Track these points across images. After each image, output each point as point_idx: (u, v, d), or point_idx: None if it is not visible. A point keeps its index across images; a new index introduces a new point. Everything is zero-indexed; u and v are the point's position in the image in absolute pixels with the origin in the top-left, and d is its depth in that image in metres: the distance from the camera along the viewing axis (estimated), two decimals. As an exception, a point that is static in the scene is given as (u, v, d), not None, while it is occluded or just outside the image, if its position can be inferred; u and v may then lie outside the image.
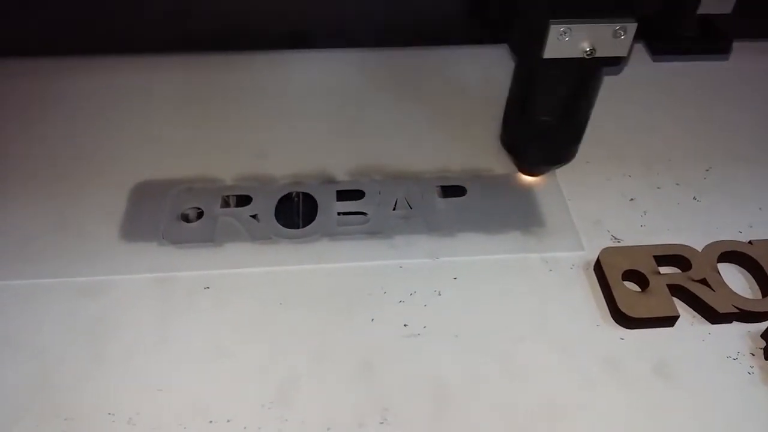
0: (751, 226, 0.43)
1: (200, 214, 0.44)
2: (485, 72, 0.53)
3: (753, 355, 0.37)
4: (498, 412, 0.34)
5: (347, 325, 0.38)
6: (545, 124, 0.42)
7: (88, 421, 0.34)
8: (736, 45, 0.48)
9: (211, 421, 0.34)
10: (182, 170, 0.46)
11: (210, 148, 0.48)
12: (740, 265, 0.41)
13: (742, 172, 0.47)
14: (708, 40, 0.45)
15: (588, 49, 0.37)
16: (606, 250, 0.41)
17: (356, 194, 0.45)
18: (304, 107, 0.51)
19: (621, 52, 0.37)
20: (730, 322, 0.38)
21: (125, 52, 0.50)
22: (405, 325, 0.38)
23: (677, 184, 0.46)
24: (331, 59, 0.52)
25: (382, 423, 0.34)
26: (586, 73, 0.40)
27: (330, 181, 0.46)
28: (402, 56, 0.52)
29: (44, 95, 0.49)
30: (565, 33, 0.36)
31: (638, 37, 0.39)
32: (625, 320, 0.38)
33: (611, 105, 0.51)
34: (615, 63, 0.38)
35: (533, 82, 0.41)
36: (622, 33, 0.36)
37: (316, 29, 0.50)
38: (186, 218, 0.44)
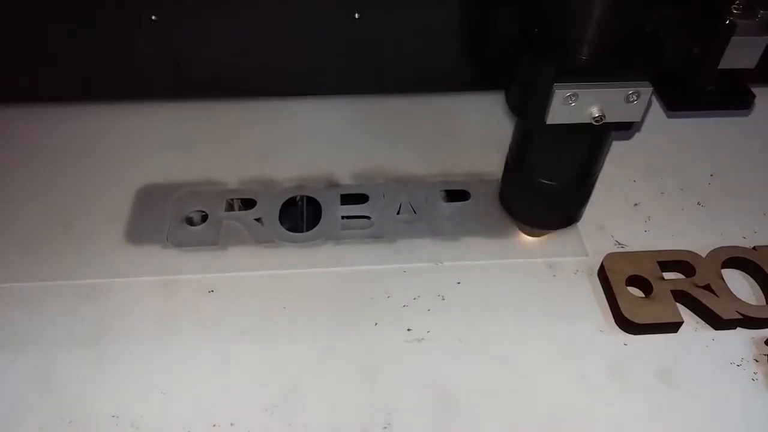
0: (755, 232, 0.43)
1: (204, 218, 0.44)
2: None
3: (757, 361, 0.37)
4: (501, 418, 0.34)
5: (351, 329, 0.38)
6: (546, 188, 0.38)
7: (91, 424, 0.34)
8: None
9: (214, 425, 0.34)
10: (187, 174, 0.46)
11: (214, 152, 0.48)
12: (744, 271, 0.41)
13: (746, 177, 0.47)
14: (730, 95, 0.42)
15: (597, 115, 0.33)
16: (610, 256, 0.41)
17: (360, 198, 0.45)
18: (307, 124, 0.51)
19: (634, 118, 0.34)
20: (734, 328, 0.38)
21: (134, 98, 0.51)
22: (409, 330, 0.38)
23: (681, 190, 0.46)
24: (332, 105, 0.52)
25: (385, 428, 0.34)
26: (594, 139, 0.37)
27: (334, 184, 0.46)
28: (401, 103, 0.51)
29: (52, 125, 0.50)
30: (571, 98, 0.32)
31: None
32: (628, 326, 0.38)
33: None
34: (626, 128, 0.34)
35: (534, 145, 0.38)
36: (635, 97, 0.33)
37: (317, 77, 0.51)
38: (190, 221, 0.44)
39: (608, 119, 0.33)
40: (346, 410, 0.35)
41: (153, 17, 0.45)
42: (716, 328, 0.38)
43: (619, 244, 0.42)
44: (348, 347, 0.37)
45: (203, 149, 0.48)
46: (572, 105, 0.32)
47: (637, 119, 0.34)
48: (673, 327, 0.38)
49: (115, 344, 0.37)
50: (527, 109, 0.35)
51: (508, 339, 0.38)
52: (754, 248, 0.41)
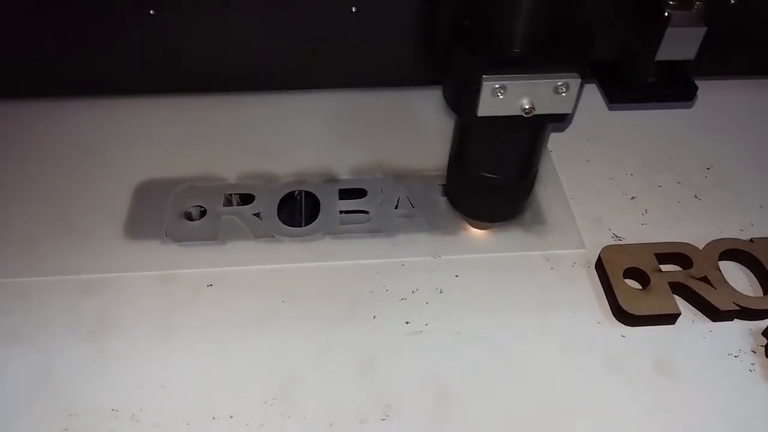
0: (752, 224, 0.43)
1: (203, 213, 0.44)
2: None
3: (754, 352, 0.37)
4: (499, 409, 0.35)
5: (349, 322, 0.38)
6: (486, 181, 0.39)
7: (91, 417, 0.34)
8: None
9: (214, 418, 0.34)
10: (185, 169, 0.46)
11: (213, 147, 0.48)
12: (741, 263, 0.41)
13: (743, 170, 0.47)
14: (670, 87, 0.43)
15: (527, 107, 0.33)
16: (607, 248, 0.41)
17: (359, 193, 0.46)
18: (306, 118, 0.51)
19: (565, 109, 0.34)
20: (732, 319, 0.38)
21: (132, 93, 0.51)
22: (407, 323, 0.38)
23: (678, 183, 0.46)
24: (330, 98, 0.52)
25: (383, 419, 0.34)
26: (529, 131, 0.37)
27: (332, 179, 0.46)
28: (400, 97, 0.51)
29: (51, 120, 0.50)
30: (500, 90, 0.32)
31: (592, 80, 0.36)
32: (626, 318, 0.38)
33: (617, 113, 0.51)
34: (560, 120, 0.34)
35: (470, 139, 0.38)
36: (565, 89, 0.32)
37: (313, 71, 0.51)
38: (189, 216, 0.44)
39: (538, 111, 0.33)
40: (345, 402, 0.35)
41: (151, 11, 0.45)
42: (714, 320, 0.38)
43: (617, 237, 0.43)
44: (347, 340, 0.37)
45: (202, 144, 0.48)
46: (501, 97, 0.32)
47: (568, 111, 0.34)
48: (671, 319, 0.38)
49: (115, 338, 0.37)
50: (461, 102, 0.35)
51: (506, 331, 0.38)
52: (751, 240, 0.42)
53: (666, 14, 0.40)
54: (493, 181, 0.38)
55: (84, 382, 0.35)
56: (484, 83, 0.32)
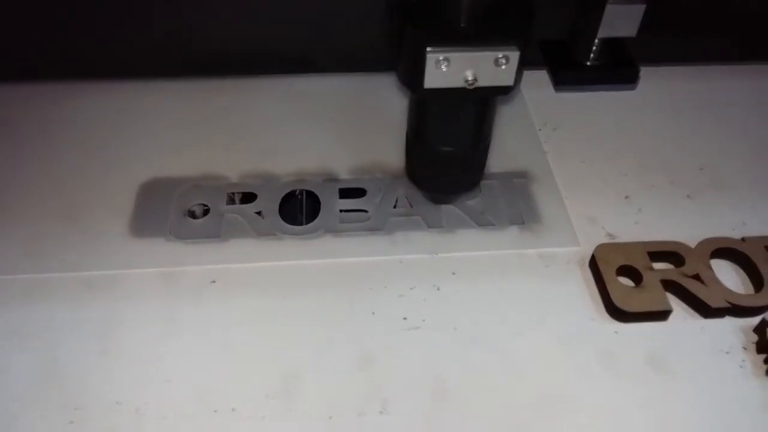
0: (744, 224, 0.44)
1: (206, 211, 0.45)
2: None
3: (745, 349, 0.38)
4: (495, 403, 0.35)
5: (349, 318, 0.39)
6: (442, 154, 0.40)
7: (96, 410, 0.35)
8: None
9: (215, 411, 0.35)
10: (189, 168, 0.47)
11: (216, 147, 0.49)
12: (733, 262, 0.42)
13: (735, 170, 0.48)
14: (614, 70, 0.45)
15: (470, 79, 0.34)
16: (601, 246, 0.42)
17: (358, 192, 0.46)
18: (308, 110, 0.52)
19: (506, 82, 0.35)
20: (723, 316, 0.39)
21: (133, 76, 0.52)
22: (405, 319, 0.39)
23: (671, 183, 0.47)
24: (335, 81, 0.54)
25: (381, 413, 0.35)
26: (477, 102, 0.38)
27: (332, 179, 0.47)
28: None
29: (55, 111, 0.51)
30: (443, 62, 0.34)
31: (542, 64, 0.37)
32: (619, 314, 0.39)
33: (606, 107, 0.52)
34: (504, 92, 0.36)
35: (422, 112, 0.40)
36: (504, 62, 0.34)
37: (318, 55, 0.52)
38: (192, 215, 0.45)
39: (481, 83, 0.34)
40: (344, 395, 0.36)
41: None
42: (705, 317, 0.39)
43: (610, 235, 0.43)
44: (346, 335, 0.38)
45: (204, 144, 0.49)
46: (445, 69, 0.34)
47: (509, 83, 0.35)
48: (663, 315, 0.39)
49: (120, 333, 0.38)
50: (409, 77, 0.36)
51: (501, 327, 0.39)
52: (742, 239, 0.42)
53: None
54: (448, 153, 0.40)
55: (89, 376, 0.36)
56: (428, 55, 0.33)
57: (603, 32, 0.44)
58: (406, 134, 0.43)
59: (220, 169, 0.47)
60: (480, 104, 0.38)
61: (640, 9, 0.43)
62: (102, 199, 0.45)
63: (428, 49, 0.33)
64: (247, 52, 0.52)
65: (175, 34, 0.50)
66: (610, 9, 0.43)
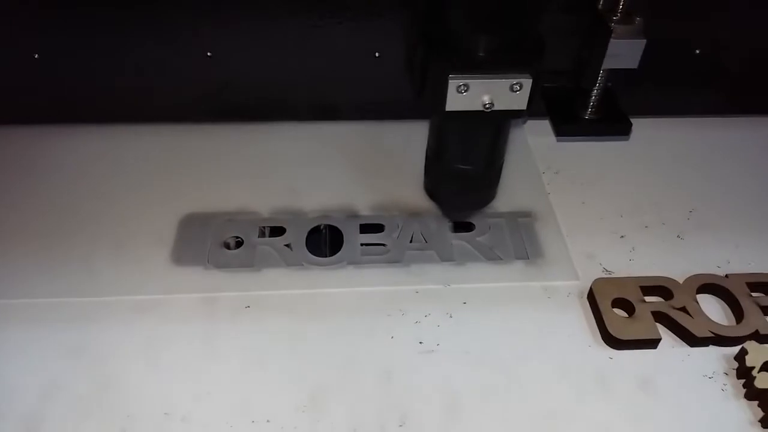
0: (728, 262, 0.49)
1: (240, 243, 0.50)
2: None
3: (727, 374, 0.42)
4: (502, 420, 0.39)
5: (370, 341, 0.43)
6: (459, 171, 0.45)
7: (145, 420, 0.39)
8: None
9: (253, 421, 0.39)
10: (224, 204, 0.52)
11: (248, 185, 0.54)
12: (717, 296, 0.46)
13: (720, 213, 0.53)
14: (609, 123, 0.50)
15: (487, 103, 0.39)
16: (598, 281, 0.46)
17: (377, 228, 0.51)
18: (332, 153, 0.57)
19: (519, 106, 0.39)
20: (707, 345, 0.43)
21: (176, 120, 0.59)
22: (420, 343, 0.43)
23: (663, 224, 0.52)
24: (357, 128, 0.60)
25: (401, 426, 0.39)
26: (492, 125, 0.43)
27: (354, 215, 0.52)
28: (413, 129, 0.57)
29: (106, 151, 0.57)
30: (463, 87, 0.38)
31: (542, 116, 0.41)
32: (613, 342, 0.43)
33: (602, 155, 0.57)
34: (517, 116, 0.40)
35: (442, 133, 0.44)
36: (518, 88, 0.38)
37: (342, 104, 0.59)
38: (228, 246, 0.50)
39: (497, 107, 0.39)
40: (366, 410, 0.40)
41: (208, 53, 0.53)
42: (691, 345, 0.43)
43: (607, 270, 0.48)
44: (367, 357, 0.42)
45: (237, 181, 0.54)
46: (465, 94, 0.38)
47: (522, 107, 0.39)
48: (653, 343, 0.43)
49: (166, 351, 0.42)
50: (432, 101, 0.40)
51: (508, 352, 0.43)
52: (726, 276, 0.47)
53: (610, 28, 0.46)
54: (465, 171, 0.45)
55: (139, 388, 0.40)
56: (450, 82, 0.38)
57: (607, 64, 0.48)
58: (426, 154, 0.47)
59: (252, 205, 0.52)
60: (495, 126, 0.43)
61: (641, 44, 0.47)
62: (146, 232, 0.50)
63: (450, 75, 0.38)
64: (279, 101, 0.58)
65: (220, 85, 0.56)
66: (613, 43, 0.47)
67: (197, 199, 0.52)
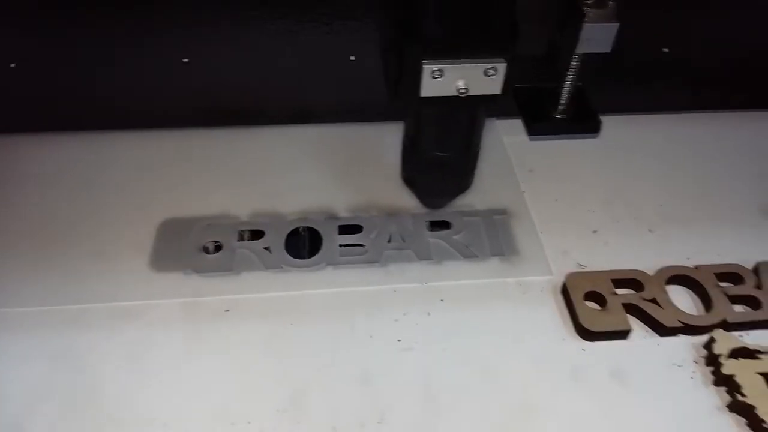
0: (697, 254, 0.50)
1: (219, 247, 0.50)
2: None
3: (696, 362, 0.43)
4: (479, 412, 0.40)
5: (349, 341, 0.44)
6: (435, 158, 0.45)
7: (129, 424, 0.39)
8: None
9: (233, 423, 0.40)
10: (202, 209, 0.52)
11: (227, 190, 0.54)
12: (687, 287, 0.48)
13: (689, 207, 0.54)
14: (579, 122, 0.51)
15: (462, 88, 0.39)
16: (571, 275, 0.47)
17: (356, 229, 0.52)
18: (309, 156, 0.58)
19: (494, 90, 0.39)
20: (676, 335, 0.45)
21: (152, 126, 0.59)
22: (399, 341, 0.44)
23: (634, 218, 0.53)
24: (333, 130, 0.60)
25: (380, 423, 0.40)
26: (467, 110, 0.43)
27: (332, 217, 0.53)
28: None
29: (84, 159, 0.57)
30: (438, 73, 0.38)
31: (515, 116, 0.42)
32: (586, 334, 0.44)
33: (574, 153, 0.59)
34: (491, 101, 0.40)
35: (418, 120, 0.44)
36: (493, 72, 0.39)
37: (318, 107, 0.59)
38: (207, 251, 0.50)
39: (472, 92, 0.39)
40: (346, 409, 0.40)
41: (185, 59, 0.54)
42: (661, 335, 0.45)
43: (580, 265, 0.49)
44: (347, 356, 0.43)
45: (215, 185, 0.54)
46: (440, 79, 0.39)
47: (497, 92, 0.40)
48: (624, 334, 0.44)
49: (147, 356, 0.43)
50: (407, 88, 0.41)
51: (485, 347, 0.44)
52: (696, 267, 0.48)
53: (583, 11, 0.47)
54: (441, 158, 0.45)
55: (123, 394, 0.41)
56: (424, 67, 0.39)
57: (580, 48, 0.49)
58: (403, 142, 0.48)
59: (232, 210, 0.53)
60: (470, 112, 0.44)
61: (614, 27, 0.48)
62: (125, 239, 0.50)
63: (424, 61, 0.39)
64: (256, 105, 0.58)
65: (197, 91, 0.57)
66: (587, 27, 0.48)
67: (176, 204, 0.53)
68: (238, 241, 0.51)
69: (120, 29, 0.53)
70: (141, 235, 0.50)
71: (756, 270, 0.48)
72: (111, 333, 0.44)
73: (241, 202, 0.53)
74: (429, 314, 0.46)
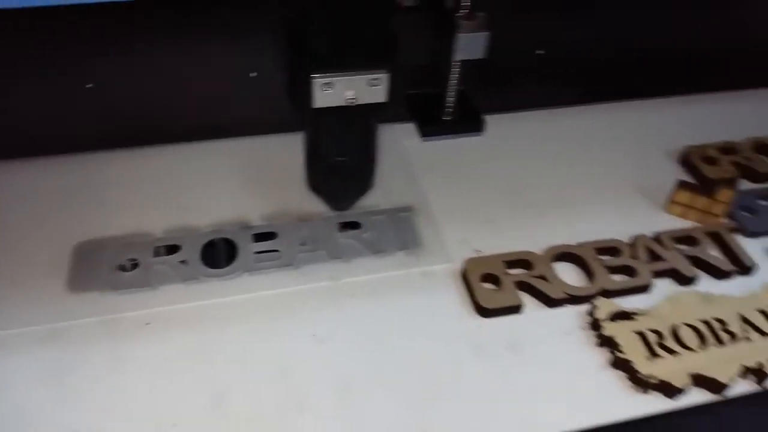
0: (581, 233, 0.55)
1: (135, 265, 0.52)
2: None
3: (582, 329, 0.49)
4: (393, 393, 0.44)
5: (268, 339, 0.47)
6: (336, 164, 0.50)
7: (55, 441, 0.41)
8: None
9: (159, 425, 0.41)
10: (118, 229, 0.54)
11: (140, 208, 0.56)
12: (571, 263, 0.53)
13: (572, 192, 0.60)
14: (465, 122, 0.57)
15: (350, 98, 0.43)
16: (469, 261, 0.51)
17: (269, 236, 0.54)
18: (220, 170, 0.60)
19: (379, 99, 0.44)
20: (563, 305, 0.50)
21: (60, 152, 0.60)
22: (314, 335, 0.47)
23: (524, 205, 0.58)
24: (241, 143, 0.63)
25: (300, 412, 0.43)
26: (359, 118, 0.47)
27: (246, 226, 0.55)
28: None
29: None
30: (327, 85, 0.43)
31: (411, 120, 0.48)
32: (484, 312, 0.48)
33: (466, 150, 0.64)
34: (380, 108, 0.45)
35: (317, 130, 0.49)
36: (377, 82, 0.43)
37: (225, 122, 0.62)
38: (124, 269, 0.51)
39: (360, 101, 0.44)
40: (268, 401, 0.43)
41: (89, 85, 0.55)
42: (550, 307, 0.49)
43: (477, 251, 0.54)
44: (267, 353, 0.46)
45: (129, 206, 0.56)
46: (330, 91, 0.43)
47: (383, 100, 0.44)
48: (517, 309, 0.49)
49: (71, 376, 0.44)
50: (301, 100, 0.45)
51: (394, 332, 0.47)
52: (578, 244, 0.54)
53: (456, 23, 0.53)
54: (341, 163, 0.49)
55: (49, 416, 0.42)
56: (314, 81, 0.43)
57: (457, 56, 0.55)
58: (306, 151, 0.51)
59: (146, 227, 0.54)
60: (362, 119, 0.48)
61: (483, 36, 0.55)
62: (40, 263, 0.51)
63: (314, 75, 0.42)
64: (164, 124, 0.60)
65: (103, 115, 0.58)
66: (460, 37, 0.54)
67: (90, 226, 0.54)
68: (155, 257, 0.52)
69: (23, 59, 0.54)
70: (56, 259, 0.51)
71: (631, 242, 0.54)
72: (31, 357, 0.45)
73: (155, 220, 0.55)
74: (341, 309, 0.49)
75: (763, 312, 0.49)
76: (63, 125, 0.58)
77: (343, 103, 0.44)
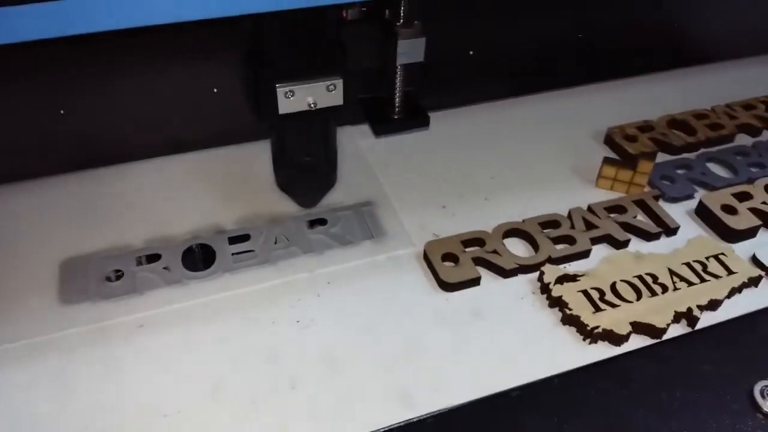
0: (525, 211, 0.62)
1: (120, 275, 0.55)
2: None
3: (534, 294, 0.55)
4: (373, 365, 0.49)
5: (255, 330, 0.51)
6: (302, 163, 0.55)
7: (67, 439, 0.44)
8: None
9: (165, 415, 0.45)
10: (100, 244, 0.57)
11: (119, 223, 0.59)
12: (519, 237, 0.59)
13: (514, 175, 0.67)
14: (412, 119, 0.64)
15: (311, 103, 0.48)
16: (429, 243, 0.57)
17: (244, 238, 0.59)
18: (192, 181, 0.64)
19: (337, 102, 0.49)
20: (516, 275, 0.56)
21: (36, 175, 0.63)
22: (298, 322, 0.52)
23: (472, 191, 0.64)
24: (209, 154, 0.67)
25: (293, 389, 0.47)
26: (320, 120, 0.52)
27: (221, 231, 0.59)
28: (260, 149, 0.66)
29: None
30: (289, 93, 0.47)
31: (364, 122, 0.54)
32: (447, 287, 0.54)
33: (416, 145, 0.70)
34: (337, 111, 0.50)
35: (281, 134, 0.54)
36: (333, 87, 0.48)
37: (191, 135, 0.66)
38: (109, 279, 0.55)
39: (320, 105, 0.49)
40: (261, 384, 0.47)
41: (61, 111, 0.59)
42: (505, 278, 0.56)
43: (435, 235, 0.59)
44: (255, 342, 0.50)
45: (109, 222, 0.59)
46: (292, 98, 0.48)
47: (340, 102, 0.49)
48: (476, 282, 0.55)
49: (72, 380, 0.47)
50: (266, 108, 0.50)
51: (368, 312, 0.52)
52: (523, 221, 0.60)
53: (395, 31, 0.59)
54: (307, 162, 0.55)
55: (54, 424, 0.44)
56: (278, 90, 0.48)
57: (400, 60, 0.61)
58: (273, 154, 0.56)
59: (126, 240, 0.58)
60: (322, 122, 0.53)
61: (422, 41, 0.61)
62: (30, 281, 0.54)
63: (277, 84, 0.47)
64: (134, 142, 0.64)
65: (77, 138, 0.62)
66: (401, 42, 0.61)
67: (72, 244, 0.57)
68: (137, 266, 0.56)
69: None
70: (44, 276, 0.54)
71: (569, 215, 0.61)
72: (31, 368, 0.48)
73: (134, 232, 0.58)
74: (319, 296, 0.54)
75: (687, 264, 0.56)
76: (35, 149, 0.61)
77: (305, 108, 0.49)
